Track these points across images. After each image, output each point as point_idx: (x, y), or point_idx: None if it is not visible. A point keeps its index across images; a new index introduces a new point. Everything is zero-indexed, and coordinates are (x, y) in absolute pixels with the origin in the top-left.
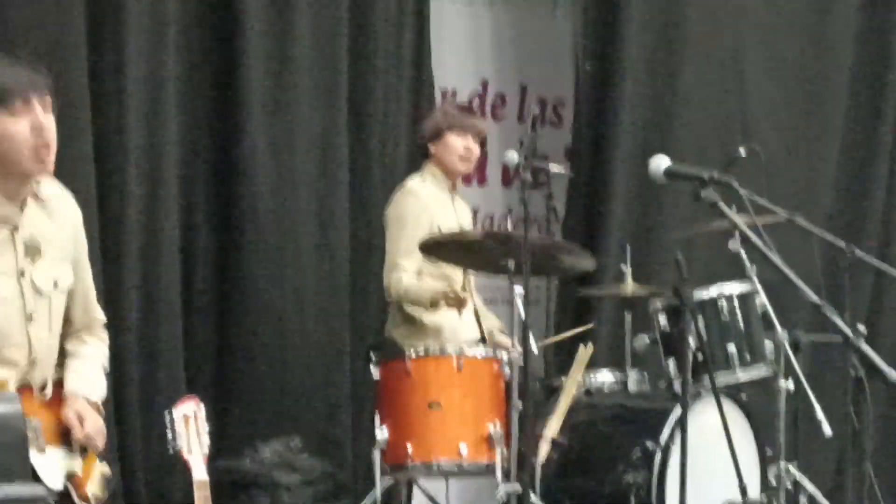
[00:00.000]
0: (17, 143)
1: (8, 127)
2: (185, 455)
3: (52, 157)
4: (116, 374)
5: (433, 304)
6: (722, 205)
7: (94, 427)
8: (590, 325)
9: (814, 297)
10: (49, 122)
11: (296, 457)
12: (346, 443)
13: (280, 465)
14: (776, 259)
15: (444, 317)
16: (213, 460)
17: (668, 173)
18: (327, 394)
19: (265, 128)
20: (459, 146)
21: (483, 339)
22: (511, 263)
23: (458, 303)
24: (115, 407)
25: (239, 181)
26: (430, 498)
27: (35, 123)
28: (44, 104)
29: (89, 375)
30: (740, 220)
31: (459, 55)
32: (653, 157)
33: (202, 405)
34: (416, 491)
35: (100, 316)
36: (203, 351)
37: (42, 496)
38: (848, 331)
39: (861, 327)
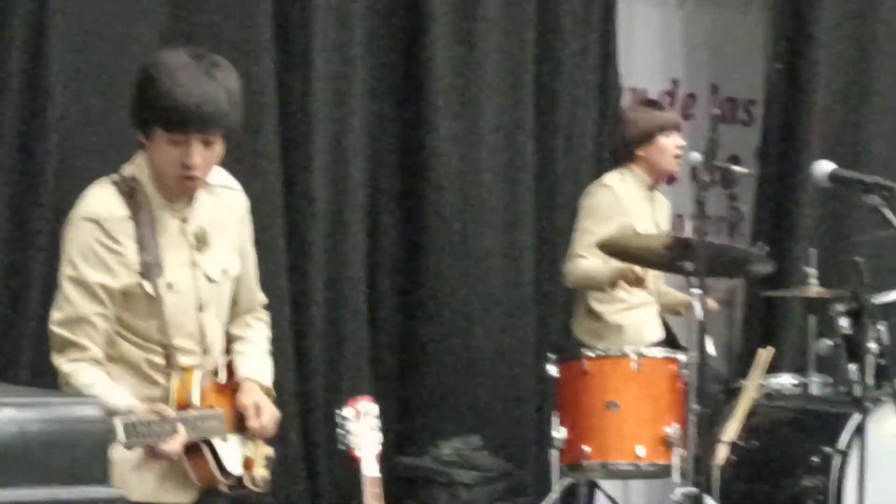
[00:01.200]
0: (166, 166)
1: (163, 147)
2: (356, 453)
3: (197, 183)
4: (302, 372)
5: (612, 284)
6: (885, 209)
7: (269, 417)
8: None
9: None
10: (201, 159)
11: (475, 455)
12: (529, 442)
13: (459, 462)
14: None
15: (627, 316)
16: (395, 457)
17: (834, 178)
18: (511, 393)
19: (450, 129)
20: (672, 146)
21: (668, 341)
22: (689, 265)
23: (638, 281)
24: (300, 405)
25: (424, 182)
26: (611, 499)
27: (184, 160)
28: (205, 140)
29: (260, 360)
30: None
31: (649, 55)
32: (817, 162)
33: (375, 404)
34: (596, 492)
35: (261, 297)
36: (388, 350)
37: (117, 498)
38: None
39: None
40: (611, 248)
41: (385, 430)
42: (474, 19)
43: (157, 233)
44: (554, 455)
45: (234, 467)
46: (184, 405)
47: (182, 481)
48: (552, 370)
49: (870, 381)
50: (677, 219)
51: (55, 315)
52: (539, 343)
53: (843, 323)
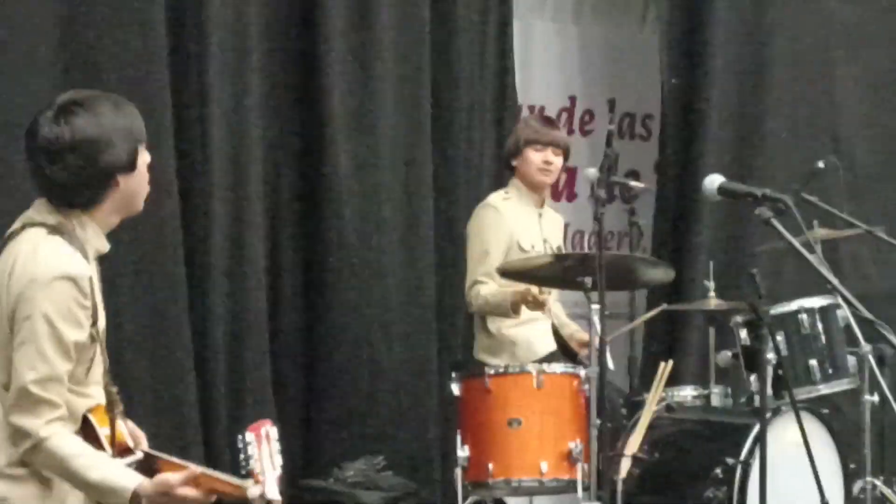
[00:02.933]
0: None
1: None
2: (259, 476)
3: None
4: (205, 395)
5: (515, 308)
6: (775, 222)
7: None
8: (662, 307)
9: (864, 311)
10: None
11: (379, 476)
12: (433, 461)
13: (363, 483)
14: (828, 274)
15: (519, 330)
16: (299, 479)
17: (723, 191)
18: (415, 413)
19: (348, 146)
20: (538, 159)
21: (563, 352)
22: (587, 281)
23: (539, 304)
24: (204, 427)
25: (323, 200)
26: None
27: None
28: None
29: None
30: (799, 237)
31: (547, 71)
32: (709, 177)
33: (275, 427)
34: None
35: None
36: (291, 373)
37: None
38: None
39: None
40: (510, 272)
41: (290, 453)
42: (370, 38)
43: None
44: (458, 473)
45: None
46: (122, 447)
47: None
48: (455, 388)
49: (769, 391)
50: (578, 234)
51: (30, 375)
52: (442, 362)
53: (742, 334)
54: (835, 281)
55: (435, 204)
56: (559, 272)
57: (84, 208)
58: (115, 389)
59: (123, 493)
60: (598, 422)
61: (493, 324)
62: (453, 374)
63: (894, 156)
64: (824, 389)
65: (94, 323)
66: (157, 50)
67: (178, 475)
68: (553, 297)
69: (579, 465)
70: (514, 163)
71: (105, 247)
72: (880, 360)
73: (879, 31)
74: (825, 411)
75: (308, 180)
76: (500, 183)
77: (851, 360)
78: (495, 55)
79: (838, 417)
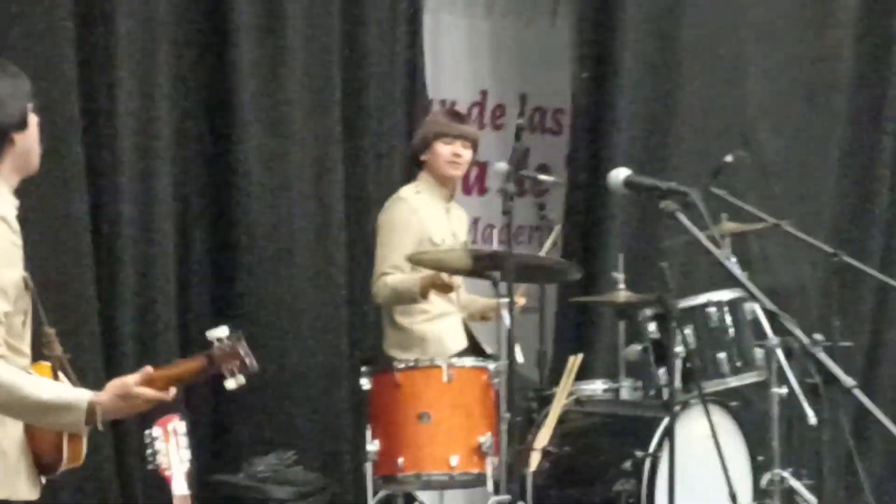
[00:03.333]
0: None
1: (34, 128)
2: (166, 471)
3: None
4: None
5: (423, 293)
6: (679, 215)
7: None
8: (557, 227)
9: (770, 305)
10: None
11: (290, 470)
12: (344, 456)
13: (274, 478)
14: (732, 267)
15: (429, 326)
16: (209, 475)
17: (629, 184)
18: (326, 408)
19: (258, 146)
20: (447, 152)
21: (474, 348)
22: (496, 276)
23: (447, 287)
24: (113, 427)
25: (233, 196)
26: None
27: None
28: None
29: None
30: (705, 231)
31: (458, 66)
32: (614, 170)
33: (183, 421)
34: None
35: None
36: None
37: None
38: (804, 338)
39: (819, 335)
40: (417, 261)
41: (200, 448)
42: (280, 34)
43: None
44: (368, 468)
45: None
46: None
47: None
48: (365, 383)
49: (678, 384)
50: (488, 228)
51: None
52: (352, 357)
53: (651, 328)
54: (739, 274)
55: (346, 198)
56: (469, 266)
57: None
58: (52, 331)
59: (79, 404)
60: (508, 416)
61: (404, 318)
62: (363, 369)
63: (803, 151)
64: (732, 382)
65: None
66: (64, 43)
67: (133, 376)
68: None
69: (489, 459)
70: (423, 157)
71: (14, 202)
72: (788, 353)
73: (790, 27)
74: (733, 404)
75: (218, 175)
76: (410, 177)
77: (759, 353)
78: (406, 49)
79: (746, 410)
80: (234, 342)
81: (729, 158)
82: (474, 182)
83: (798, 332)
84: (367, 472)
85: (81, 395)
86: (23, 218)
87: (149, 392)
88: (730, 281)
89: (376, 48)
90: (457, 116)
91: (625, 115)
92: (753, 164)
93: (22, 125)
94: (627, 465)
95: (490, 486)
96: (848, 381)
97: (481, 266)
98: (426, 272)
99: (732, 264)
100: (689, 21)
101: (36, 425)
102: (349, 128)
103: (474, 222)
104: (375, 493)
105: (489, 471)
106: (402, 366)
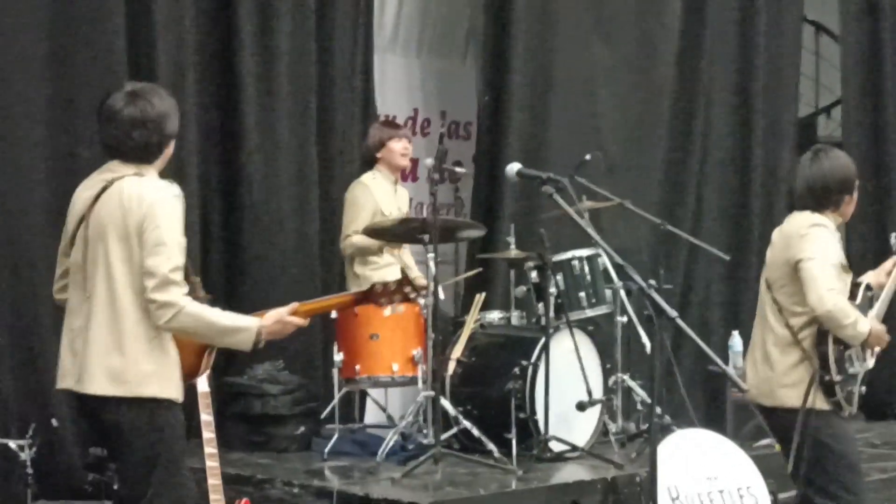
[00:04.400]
0: None
1: None
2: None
3: None
4: None
5: (380, 249)
6: (555, 196)
7: None
8: (478, 270)
9: (618, 259)
10: None
11: (280, 374)
12: (318, 364)
13: (268, 379)
14: (592, 232)
15: (377, 273)
16: (221, 377)
17: (519, 174)
18: (304, 331)
19: (257, 145)
20: (400, 147)
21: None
22: (425, 237)
23: (397, 246)
24: None
25: (241, 181)
26: (376, 402)
27: None
28: None
29: None
30: (574, 206)
31: (397, 91)
32: (510, 164)
33: None
34: (366, 398)
35: None
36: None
37: None
38: (641, 282)
39: (653, 281)
40: (371, 231)
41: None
42: (272, 69)
43: None
44: (335, 372)
45: None
46: None
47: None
48: (332, 313)
49: (551, 314)
50: (419, 205)
51: (168, 265)
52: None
53: (533, 275)
54: (597, 237)
55: (319, 184)
56: (406, 231)
57: (151, 163)
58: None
59: (251, 327)
60: (433, 335)
61: (360, 268)
62: None
63: (637, 153)
64: (589, 313)
65: None
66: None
67: (286, 308)
68: (406, 249)
69: (419, 366)
70: (379, 154)
71: None
72: (628, 293)
73: (631, 65)
74: (590, 328)
75: (228, 164)
76: (366, 168)
77: (608, 293)
78: (362, 80)
79: (599, 332)
80: (398, 285)
81: (587, 157)
82: (409, 173)
83: (637, 278)
84: (334, 376)
85: (252, 321)
86: None
87: (296, 320)
88: (586, 242)
89: (340, 77)
90: (397, 124)
91: (514, 126)
92: (604, 161)
93: (175, 135)
94: (516, 370)
95: (420, 385)
96: (672, 312)
97: (415, 230)
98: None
99: (591, 230)
100: (559, 61)
101: (213, 344)
102: (322, 133)
103: (410, 200)
104: (340, 389)
105: (420, 374)
106: None
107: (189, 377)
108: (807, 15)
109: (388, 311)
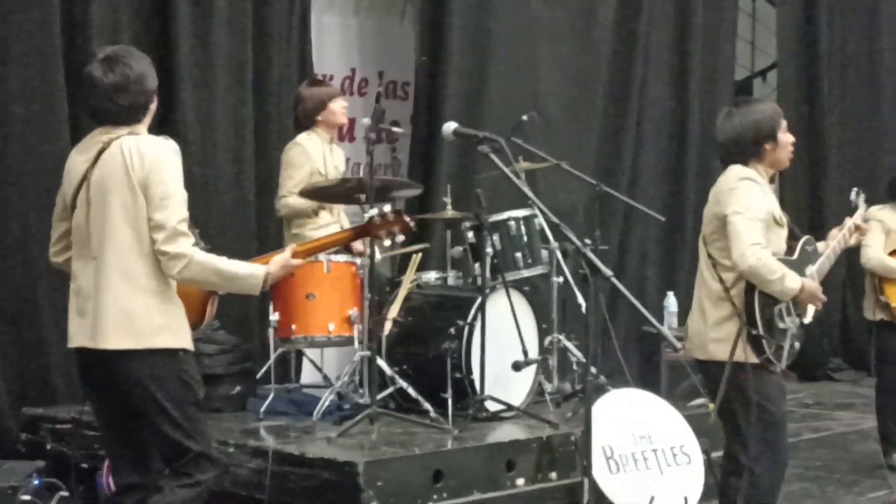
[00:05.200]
0: None
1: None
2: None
3: None
4: None
5: (315, 212)
6: (493, 156)
7: None
8: (425, 245)
9: (554, 219)
10: None
11: (215, 333)
12: (253, 323)
13: (203, 339)
14: (529, 193)
15: (315, 232)
16: None
17: (456, 133)
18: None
19: (193, 101)
20: (339, 108)
21: (347, 249)
22: (362, 197)
23: (330, 207)
24: None
25: (177, 141)
26: (312, 361)
27: None
28: None
29: None
30: (511, 167)
31: (335, 51)
32: (446, 123)
33: None
34: (302, 357)
35: None
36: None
37: None
38: (577, 242)
39: (589, 241)
40: (308, 192)
41: None
42: (209, 29)
43: None
44: (271, 332)
45: None
46: None
47: None
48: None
49: (488, 274)
50: (356, 165)
51: (176, 217)
52: (260, 254)
53: (469, 235)
54: (534, 197)
55: (255, 143)
56: (343, 191)
57: (140, 122)
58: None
59: (259, 272)
60: (369, 296)
61: (298, 228)
62: None
63: (575, 115)
64: (526, 273)
65: None
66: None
67: (287, 251)
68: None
69: (356, 326)
70: (319, 117)
71: None
72: (564, 254)
73: (570, 26)
74: (526, 288)
75: (165, 124)
76: (303, 127)
77: (544, 253)
78: (298, 39)
79: (535, 293)
80: (395, 214)
81: (525, 118)
82: (346, 133)
83: (573, 237)
84: (270, 335)
85: (259, 268)
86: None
87: (297, 261)
88: (523, 203)
89: (278, 39)
90: (323, 82)
91: (452, 86)
92: (541, 122)
93: (156, 90)
94: (452, 330)
95: (356, 344)
96: (607, 272)
97: (352, 190)
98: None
99: (528, 190)
100: (498, 21)
101: (222, 290)
102: (258, 93)
103: (347, 160)
104: (276, 349)
105: (356, 334)
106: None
107: (195, 327)
108: None
109: (386, 242)
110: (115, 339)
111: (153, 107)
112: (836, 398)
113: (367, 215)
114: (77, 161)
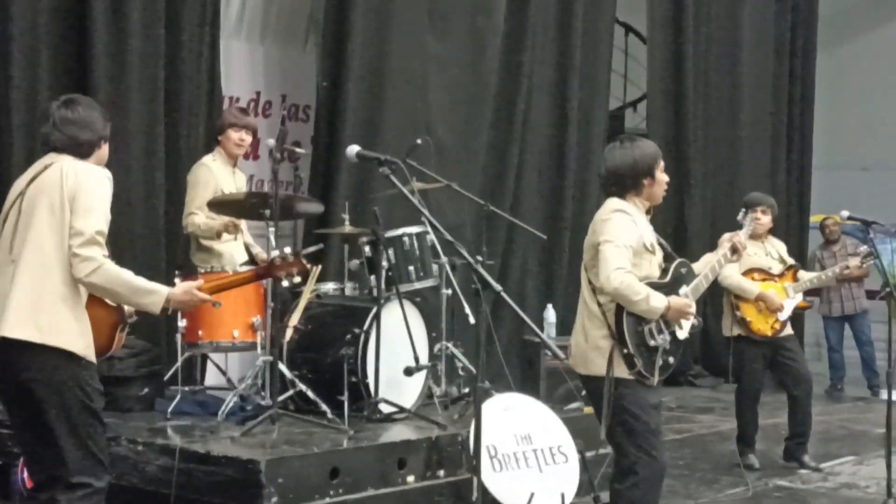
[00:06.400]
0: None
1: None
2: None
3: None
4: None
5: (219, 234)
6: (392, 177)
7: None
8: (320, 246)
9: (447, 236)
10: None
11: (125, 337)
12: (161, 329)
13: None
14: (425, 212)
15: (224, 246)
16: None
17: (359, 156)
18: None
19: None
20: (236, 137)
21: (251, 262)
22: (266, 212)
23: (235, 229)
24: None
25: None
26: (217, 366)
27: None
28: None
29: None
30: (408, 186)
31: (241, 74)
32: (350, 146)
33: None
34: (207, 361)
35: None
36: None
37: None
38: (469, 258)
39: (480, 257)
40: (216, 204)
41: None
42: (123, 52)
43: None
44: (179, 338)
45: None
46: None
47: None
48: (177, 281)
49: (383, 286)
50: (259, 182)
51: (94, 227)
52: (169, 265)
53: (366, 249)
54: (428, 216)
55: (165, 161)
56: (248, 206)
57: (84, 158)
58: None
59: (162, 292)
60: (272, 304)
61: (207, 242)
62: (177, 272)
63: (463, 140)
64: (418, 285)
65: None
66: None
67: (194, 282)
68: (244, 226)
69: (259, 332)
70: (220, 137)
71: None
72: (452, 267)
73: (459, 58)
74: (418, 299)
75: None
76: (209, 149)
77: (435, 267)
78: (208, 63)
79: (426, 303)
80: (295, 256)
81: (419, 141)
82: (251, 151)
83: (465, 254)
84: (178, 340)
85: (163, 287)
86: None
87: (202, 295)
88: (415, 220)
89: (188, 61)
90: (245, 112)
91: (350, 111)
92: (433, 145)
93: (106, 138)
94: (349, 337)
95: (259, 350)
96: (496, 286)
97: (256, 205)
98: (224, 219)
99: (424, 209)
100: (394, 52)
101: (126, 303)
102: (169, 114)
103: (250, 178)
104: (182, 353)
105: (259, 340)
106: (203, 270)
107: (102, 353)
108: (618, 17)
109: (285, 283)
110: (18, 329)
111: (102, 152)
112: (696, 402)
113: (270, 256)
114: (20, 180)
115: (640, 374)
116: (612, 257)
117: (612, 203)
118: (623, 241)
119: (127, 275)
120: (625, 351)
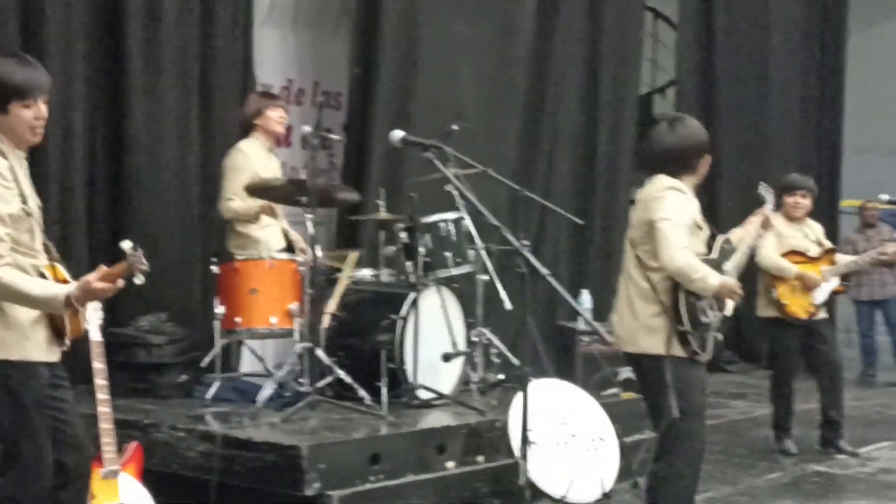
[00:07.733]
0: (24, 123)
1: (21, 113)
2: (84, 325)
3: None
4: None
5: (257, 217)
6: (437, 162)
7: None
8: (359, 251)
9: (494, 221)
10: (44, 112)
11: (164, 325)
12: (198, 316)
13: (152, 330)
14: (471, 197)
15: (261, 233)
16: (107, 328)
17: (404, 141)
18: (185, 285)
19: (143, 111)
20: (275, 116)
21: (288, 248)
22: (304, 199)
23: (273, 212)
24: None
25: (127, 146)
26: (253, 351)
27: (36, 113)
28: (44, 100)
29: None
30: (450, 171)
31: (275, 62)
32: (393, 131)
33: None
34: (244, 348)
35: None
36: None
37: None
38: (517, 243)
39: (526, 241)
40: (253, 189)
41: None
42: (159, 41)
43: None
44: (216, 324)
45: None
46: (62, 281)
47: (54, 344)
48: (215, 269)
49: (420, 272)
50: (293, 169)
51: None
52: (204, 252)
53: (403, 235)
54: (475, 200)
55: (200, 148)
56: (286, 192)
57: None
58: (50, 244)
59: (58, 297)
60: (310, 291)
61: (243, 228)
62: (213, 259)
63: (494, 124)
64: (454, 271)
65: (25, 202)
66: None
67: (93, 274)
68: (280, 210)
69: (296, 319)
70: (257, 122)
71: (21, 154)
72: (489, 253)
73: (490, 43)
74: (455, 285)
75: (114, 130)
76: (243, 135)
77: (471, 253)
78: (242, 50)
79: (463, 289)
80: (139, 253)
81: (454, 127)
82: (284, 138)
83: (514, 240)
84: (215, 327)
85: (60, 290)
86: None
87: (103, 286)
88: (451, 205)
89: (223, 49)
90: (273, 94)
91: (383, 97)
92: (467, 131)
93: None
94: (386, 323)
95: (297, 336)
96: (544, 270)
97: (294, 192)
98: (260, 202)
99: (471, 195)
100: (425, 37)
101: (30, 308)
102: (203, 101)
103: (283, 165)
104: (220, 340)
105: (296, 327)
106: (240, 258)
107: (61, 338)
108: (647, 2)
109: (138, 279)
110: None
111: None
112: (729, 388)
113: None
114: None
115: (694, 351)
116: (674, 235)
117: (665, 180)
118: (680, 218)
119: (21, 284)
120: (680, 328)
